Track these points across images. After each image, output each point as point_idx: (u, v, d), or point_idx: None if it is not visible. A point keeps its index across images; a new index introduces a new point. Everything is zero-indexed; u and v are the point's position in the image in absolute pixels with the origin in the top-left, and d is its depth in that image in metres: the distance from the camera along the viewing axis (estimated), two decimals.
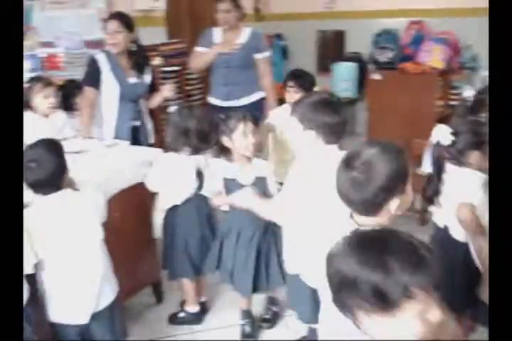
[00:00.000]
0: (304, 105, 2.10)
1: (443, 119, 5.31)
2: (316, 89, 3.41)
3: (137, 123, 3.57)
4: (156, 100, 3.66)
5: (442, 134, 2.27)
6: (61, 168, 2.14)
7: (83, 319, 2.20)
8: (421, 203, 3.02)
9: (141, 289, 3.07)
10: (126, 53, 3.47)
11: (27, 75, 4.18)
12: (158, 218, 2.91)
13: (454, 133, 2.25)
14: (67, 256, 2.14)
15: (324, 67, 6.89)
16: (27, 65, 4.33)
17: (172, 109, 2.83)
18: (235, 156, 2.63)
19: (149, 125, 3.71)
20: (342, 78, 6.23)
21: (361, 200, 1.53)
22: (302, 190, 2.11)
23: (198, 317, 3.02)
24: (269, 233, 2.67)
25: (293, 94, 3.39)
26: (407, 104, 5.15)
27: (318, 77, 6.78)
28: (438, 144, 2.31)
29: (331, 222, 1.73)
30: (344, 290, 1.17)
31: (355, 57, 6.33)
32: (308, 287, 2.13)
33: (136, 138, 3.51)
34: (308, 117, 2.06)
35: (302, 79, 3.45)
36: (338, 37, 6.85)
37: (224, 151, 2.64)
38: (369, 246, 1.18)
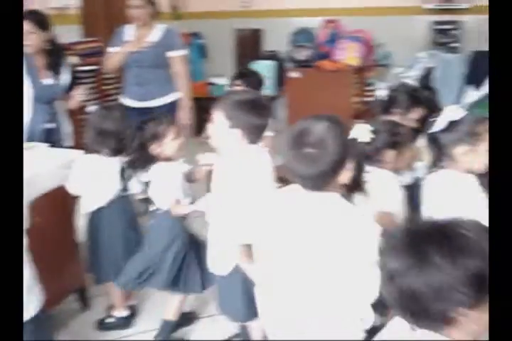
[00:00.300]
0: (234, 103, 2.08)
1: (359, 115, 5.48)
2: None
3: (51, 125, 3.37)
4: (72, 102, 3.49)
5: (362, 132, 2.31)
6: None
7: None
8: None
9: (66, 296, 2.98)
10: (41, 53, 3.32)
11: None
12: (81, 221, 2.84)
13: (374, 132, 2.31)
14: None
15: (242, 65, 6.92)
16: None
17: (91, 109, 2.74)
18: (164, 159, 2.59)
19: (67, 127, 3.54)
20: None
21: (314, 175, 1.60)
22: (227, 189, 2.11)
23: (126, 322, 2.96)
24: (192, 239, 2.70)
25: None
26: (325, 101, 5.24)
27: None
28: (356, 141, 2.34)
29: (253, 218, 1.80)
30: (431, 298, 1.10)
31: (273, 56, 6.40)
32: (240, 287, 2.14)
33: (51, 141, 3.28)
34: (237, 116, 2.05)
35: (250, 78, 3.49)
36: (256, 35, 6.90)
37: (151, 158, 2.57)
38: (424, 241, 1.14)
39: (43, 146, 3.06)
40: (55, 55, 3.37)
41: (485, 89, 5.25)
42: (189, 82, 4.17)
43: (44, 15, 3.36)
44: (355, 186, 2.36)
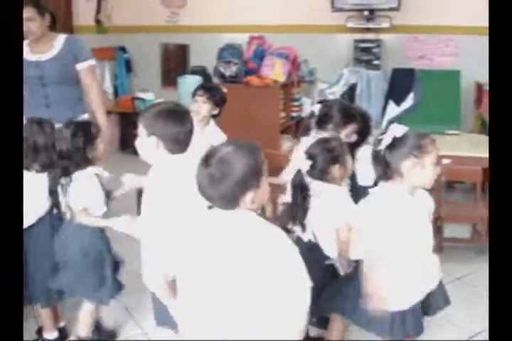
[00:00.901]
0: (150, 113, 2.11)
1: (286, 130, 5.57)
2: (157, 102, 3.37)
3: None
4: None
5: (300, 163, 2.44)
6: None
7: None
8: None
9: None
10: None
11: None
12: None
13: (310, 157, 2.43)
14: None
15: (169, 80, 6.92)
16: None
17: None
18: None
19: None
20: (188, 91, 6.22)
21: (218, 195, 1.66)
22: (154, 201, 2.09)
23: None
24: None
25: (201, 104, 3.36)
26: (253, 116, 5.29)
27: (163, 90, 6.88)
28: (299, 172, 2.47)
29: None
30: None
31: (200, 71, 6.42)
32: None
33: None
34: (152, 124, 2.06)
35: (213, 92, 3.41)
36: (182, 50, 6.92)
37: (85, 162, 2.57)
38: None
39: None
40: None
41: (405, 104, 5.47)
42: (102, 96, 3.72)
43: None
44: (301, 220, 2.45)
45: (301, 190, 2.46)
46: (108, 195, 2.64)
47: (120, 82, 7.16)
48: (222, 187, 1.63)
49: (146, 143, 2.08)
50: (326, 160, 2.45)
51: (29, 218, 2.58)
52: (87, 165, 2.55)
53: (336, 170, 2.47)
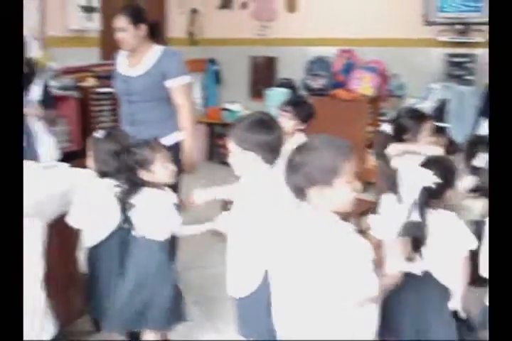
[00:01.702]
0: (239, 127, 2.11)
1: (372, 145, 5.49)
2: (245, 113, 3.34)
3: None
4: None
5: (424, 178, 2.13)
6: None
7: None
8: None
9: (77, 318, 2.93)
10: None
11: None
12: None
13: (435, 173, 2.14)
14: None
15: (257, 92, 6.99)
16: None
17: (99, 134, 2.66)
18: (155, 185, 2.46)
19: (43, 142, 3.53)
20: (275, 103, 6.32)
21: (291, 183, 1.73)
22: (249, 212, 2.11)
23: None
24: None
25: (286, 120, 3.24)
26: (339, 130, 5.20)
27: (250, 102, 6.97)
28: (424, 190, 2.14)
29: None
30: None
31: (288, 83, 6.45)
32: (261, 308, 2.10)
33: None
34: (245, 138, 2.07)
35: (300, 108, 3.31)
36: (270, 63, 6.97)
37: (140, 183, 2.45)
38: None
39: (64, 166, 3.03)
40: (27, 74, 3.39)
41: None
42: (193, 118, 3.33)
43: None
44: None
45: (422, 211, 2.13)
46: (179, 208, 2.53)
47: (209, 93, 7.30)
48: (294, 175, 1.70)
49: (242, 158, 2.09)
50: (447, 182, 2.17)
51: (101, 232, 2.56)
52: (150, 186, 2.44)
53: (449, 194, 2.21)
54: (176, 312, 2.48)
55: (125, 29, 3.16)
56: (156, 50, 3.23)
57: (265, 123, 2.11)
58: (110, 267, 2.58)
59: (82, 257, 2.71)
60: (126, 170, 2.41)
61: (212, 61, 7.26)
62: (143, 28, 3.19)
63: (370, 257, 1.67)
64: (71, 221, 2.57)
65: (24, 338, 2.05)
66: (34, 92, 3.44)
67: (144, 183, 2.42)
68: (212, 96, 7.33)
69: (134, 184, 2.41)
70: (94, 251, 2.62)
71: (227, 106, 6.88)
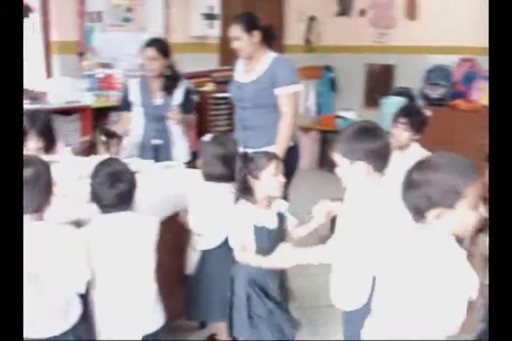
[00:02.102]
0: (343, 138, 2.06)
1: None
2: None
3: (158, 141, 3.63)
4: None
5: None
6: (135, 186, 2.17)
7: None
8: None
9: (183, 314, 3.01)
10: (159, 77, 3.63)
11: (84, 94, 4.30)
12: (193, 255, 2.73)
13: None
14: (120, 277, 2.13)
15: (372, 100, 6.90)
16: (84, 84, 4.43)
17: (206, 138, 2.73)
18: (258, 197, 2.36)
19: (178, 144, 3.71)
20: (391, 112, 6.20)
21: (409, 202, 1.65)
22: (366, 223, 2.03)
23: None
24: None
25: (401, 132, 3.20)
26: (457, 141, 5.06)
27: (365, 110, 6.88)
28: None
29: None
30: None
31: (405, 92, 6.30)
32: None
33: (156, 156, 3.53)
34: (351, 148, 2.02)
35: (415, 118, 3.24)
36: (388, 71, 6.85)
37: (246, 192, 2.38)
38: None
39: (181, 166, 3.15)
40: (172, 79, 3.65)
41: None
42: (292, 128, 3.27)
43: (166, 43, 3.69)
44: None
45: None
46: (281, 235, 2.42)
47: (323, 100, 7.29)
48: (412, 194, 1.61)
49: (352, 170, 2.03)
50: None
51: (218, 237, 2.56)
52: (254, 201, 2.36)
53: None
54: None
55: (239, 38, 3.22)
56: (268, 57, 3.28)
57: (370, 131, 2.05)
58: (220, 271, 2.56)
59: (192, 258, 2.74)
60: (237, 176, 2.38)
61: (328, 68, 7.24)
62: (256, 35, 3.23)
63: (473, 294, 1.55)
64: (192, 226, 2.62)
65: (132, 328, 2.16)
66: (177, 96, 3.66)
67: (250, 193, 2.35)
68: (327, 103, 7.31)
69: (242, 191, 2.37)
70: (207, 255, 2.63)
71: (342, 113, 6.82)
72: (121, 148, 3.27)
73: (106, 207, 2.12)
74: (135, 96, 3.67)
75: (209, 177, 2.60)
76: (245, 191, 2.35)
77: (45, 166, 1.97)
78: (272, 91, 3.23)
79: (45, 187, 1.93)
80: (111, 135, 3.23)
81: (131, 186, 2.14)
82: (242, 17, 3.30)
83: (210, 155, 2.59)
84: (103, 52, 4.68)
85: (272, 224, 2.35)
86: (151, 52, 3.54)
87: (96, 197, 2.12)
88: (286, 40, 6.88)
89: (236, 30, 3.22)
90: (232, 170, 2.43)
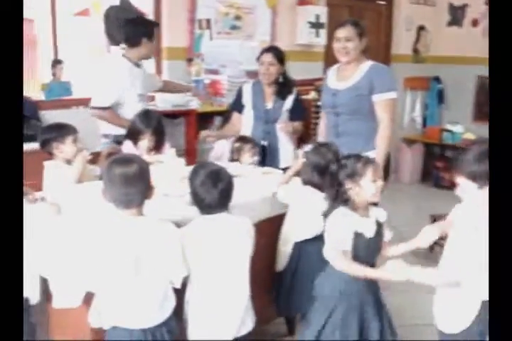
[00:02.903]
0: (469, 159, 1.95)
1: None
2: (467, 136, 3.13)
3: (264, 142, 3.72)
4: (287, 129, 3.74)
5: None
6: (233, 186, 2.21)
7: None
8: None
9: (274, 319, 3.00)
10: (273, 83, 3.74)
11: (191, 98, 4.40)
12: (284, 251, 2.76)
13: None
14: (215, 278, 2.15)
15: (482, 114, 6.63)
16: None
17: (307, 147, 2.74)
18: (357, 204, 2.28)
19: (283, 146, 3.78)
20: None
21: None
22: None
23: None
24: None
25: None
26: None
27: (473, 125, 6.62)
28: None
29: None
30: None
31: None
32: None
33: (263, 157, 3.62)
34: (481, 171, 1.89)
35: None
36: None
37: (344, 198, 2.28)
38: None
39: (278, 173, 3.17)
40: (286, 85, 3.77)
41: None
42: (389, 135, 3.26)
43: (282, 51, 3.79)
44: None
45: None
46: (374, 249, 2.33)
47: (430, 112, 7.09)
48: None
49: (479, 195, 1.93)
50: None
51: (308, 232, 2.60)
52: (352, 207, 2.27)
53: None
54: None
55: (351, 39, 3.24)
56: (366, 65, 3.30)
57: (484, 152, 1.90)
58: (313, 265, 2.54)
59: (283, 254, 2.75)
60: (334, 183, 2.30)
61: (437, 79, 7.05)
62: (364, 42, 3.28)
63: None
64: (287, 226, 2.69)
65: (224, 330, 2.16)
66: (288, 102, 3.76)
67: (347, 200, 2.26)
68: (433, 115, 7.10)
69: (338, 199, 2.28)
70: (301, 249, 2.68)
71: (449, 126, 6.60)
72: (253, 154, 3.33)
73: (207, 207, 2.16)
74: (248, 99, 3.81)
75: (307, 183, 2.65)
76: (342, 197, 2.27)
77: (146, 164, 2.08)
78: (369, 98, 3.26)
79: (148, 183, 2.01)
80: (246, 141, 3.38)
81: (230, 186, 2.19)
82: (355, 20, 3.39)
83: (309, 165, 2.64)
84: (210, 59, 4.77)
85: (370, 232, 2.26)
86: (270, 57, 3.67)
87: (198, 198, 2.16)
88: (394, 50, 6.75)
89: (349, 32, 3.24)
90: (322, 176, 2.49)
